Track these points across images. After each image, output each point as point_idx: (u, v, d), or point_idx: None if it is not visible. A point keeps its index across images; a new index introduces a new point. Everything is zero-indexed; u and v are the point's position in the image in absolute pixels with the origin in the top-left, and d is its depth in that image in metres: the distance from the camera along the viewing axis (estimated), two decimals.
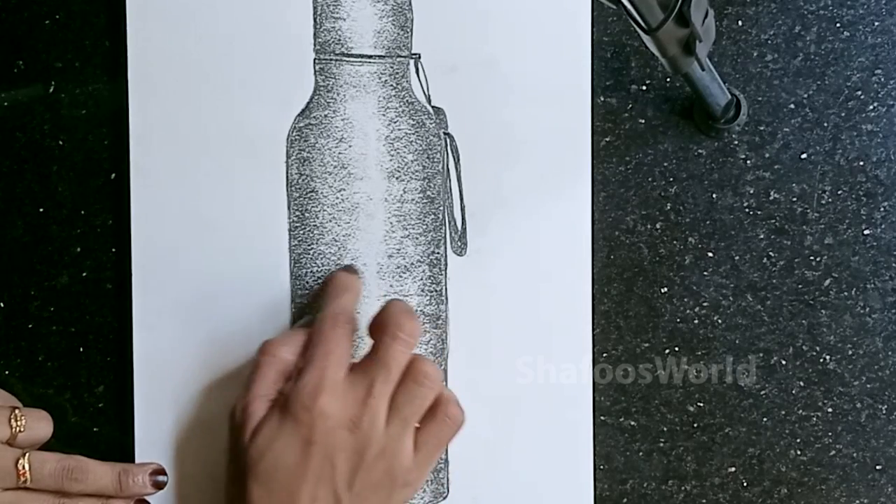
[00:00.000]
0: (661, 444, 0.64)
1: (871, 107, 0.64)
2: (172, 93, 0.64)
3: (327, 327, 0.59)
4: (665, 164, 0.64)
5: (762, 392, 0.64)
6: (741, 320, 0.64)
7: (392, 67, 0.64)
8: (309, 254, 0.64)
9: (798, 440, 0.64)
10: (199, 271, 0.64)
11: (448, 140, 0.64)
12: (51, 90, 0.65)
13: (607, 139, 0.64)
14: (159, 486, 0.63)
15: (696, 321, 0.64)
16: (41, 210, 0.65)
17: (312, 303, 0.63)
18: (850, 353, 0.64)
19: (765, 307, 0.64)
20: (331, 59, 0.64)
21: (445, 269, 0.64)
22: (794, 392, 0.64)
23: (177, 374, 0.64)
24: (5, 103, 0.65)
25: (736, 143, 0.64)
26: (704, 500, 0.64)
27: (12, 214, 0.65)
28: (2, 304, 0.65)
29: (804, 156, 0.64)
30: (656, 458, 0.64)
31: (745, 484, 0.64)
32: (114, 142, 0.65)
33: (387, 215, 0.64)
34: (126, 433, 0.64)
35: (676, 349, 0.64)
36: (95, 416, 0.65)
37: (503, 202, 0.64)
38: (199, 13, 0.64)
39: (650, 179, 0.64)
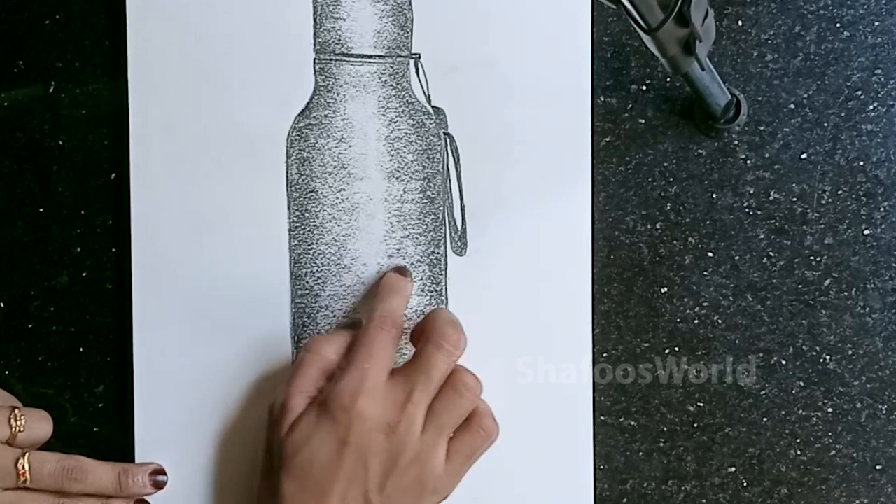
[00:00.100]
0: (661, 444, 0.64)
1: (871, 107, 0.64)
2: (172, 93, 0.64)
3: (373, 329, 0.59)
4: (665, 164, 0.64)
5: (762, 392, 0.64)
6: (741, 320, 0.64)
7: (392, 67, 0.64)
8: (309, 254, 0.64)
9: (798, 440, 0.64)
10: (199, 271, 0.64)
11: (448, 140, 0.64)
12: (51, 90, 0.65)
13: (607, 139, 0.64)
14: (159, 486, 0.63)
15: (696, 321, 0.64)
16: (41, 210, 0.65)
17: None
18: (850, 353, 0.64)
19: (765, 307, 0.64)
20: (331, 59, 0.64)
21: (445, 269, 0.64)
22: (794, 392, 0.64)
23: (177, 374, 0.64)
24: (5, 103, 0.65)
25: (736, 143, 0.64)
26: (704, 500, 0.64)
27: (12, 214, 0.65)
28: (2, 304, 0.65)
29: (804, 156, 0.64)
30: (656, 458, 0.64)
31: (745, 484, 0.64)
32: (114, 142, 0.65)
33: (387, 215, 0.64)
34: (126, 433, 0.64)
35: (676, 349, 0.64)
36: (95, 416, 0.65)
37: (503, 202, 0.64)
38: (199, 13, 0.64)
39: (650, 179, 0.64)
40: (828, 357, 0.64)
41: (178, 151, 0.64)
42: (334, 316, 0.64)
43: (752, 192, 0.64)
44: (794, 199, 0.64)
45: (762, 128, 0.64)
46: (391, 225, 0.64)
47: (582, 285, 0.63)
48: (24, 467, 0.60)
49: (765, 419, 0.64)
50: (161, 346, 0.64)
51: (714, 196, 0.64)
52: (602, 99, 0.64)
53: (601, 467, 0.64)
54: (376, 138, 0.64)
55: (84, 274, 0.65)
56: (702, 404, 0.64)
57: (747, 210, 0.64)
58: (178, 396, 0.64)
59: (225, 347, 0.64)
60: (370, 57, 0.64)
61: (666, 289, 0.64)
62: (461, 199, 0.64)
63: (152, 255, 0.64)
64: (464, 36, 0.63)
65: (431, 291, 0.64)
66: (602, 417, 0.64)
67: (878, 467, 0.64)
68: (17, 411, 0.61)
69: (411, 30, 0.64)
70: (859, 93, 0.64)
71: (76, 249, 0.65)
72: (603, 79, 0.64)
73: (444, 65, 0.64)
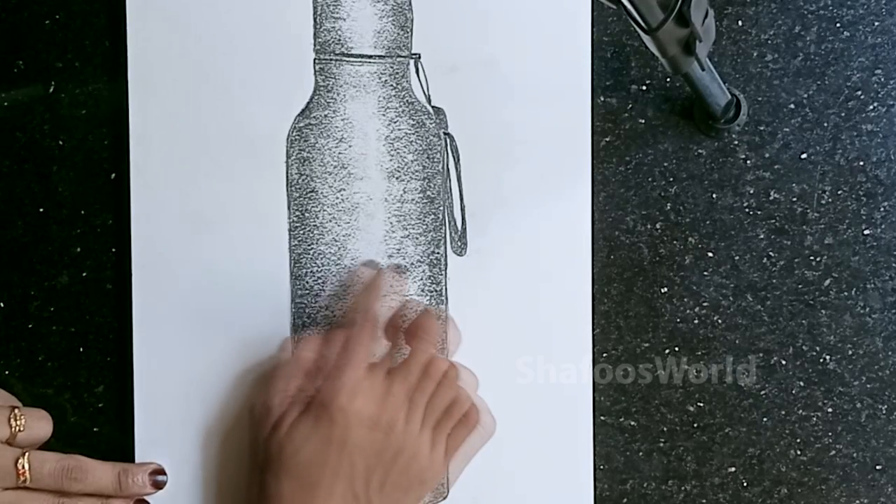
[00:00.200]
0: (661, 444, 0.64)
1: (871, 107, 0.64)
2: (172, 93, 0.64)
3: (349, 326, 0.60)
4: (665, 164, 0.64)
5: (762, 392, 0.64)
6: (741, 320, 0.64)
7: (392, 67, 0.64)
8: (309, 254, 0.64)
9: (798, 440, 0.64)
10: (199, 271, 0.64)
11: (448, 140, 0.64)
12: (51, 90, 0.65)
13: (607, 139, 0.64)
14: (159, 486, 0.63)
15: (696, 321, 0.64)
16: (41, 210, 0.65)
17: (312, 300, 0.63)
18: (850, 353, 0.64)
19: (765, 307, 0.64)
20: (331, 59, 0.64)
21: (445, 269, 0.64)
22: (794, 392, 0.64)
23: (177, 374, 0.64)
24: (5, 103, 0.65)
25: (736, 143, 0.64)
26: (704, 500, 0.64)
27: (12, 214, 0.65)
28: (2, 304, 0.65)
29: (804, 156, 0.64)
30: (656, 458, 0.64)
31: (745, 484, 0.64)
32: (114, 142, 0.65)
33: (387, 215, 0.64)
34: (126, 433, 0.64)
35: (676, 349, 0.64)
36: (95, 416, 0.65)
37: (503, 202, 0.64)
38: (199, 13, 0.64)
39: (650, 179, 0.64)
40: (828, 357, 0.64)
41: (178, 151, 0.64)
42: (334, 316, 0.64)
43: (752, 192, 0.64)
44: (794, 199, 0.64)
45: (762, 128, 0.64)
46: (391, 225, 0.64)
47: (582, 285, 0.63)
48: (23, 467, 0.60)
49: (765, 419, 0.64)
50: (161, 346, 0.64)
51: (714, 196, 0.64)
52: (602, 99, 0.64)
53: (601, 467, 0.64)
54: (376, 138, 0.64)
55: (84, 274, 0.65)
56: (702, 404, 0.64)
57: (747, 210, 0.64)
58: (178, 396, 0.64)
59: (225, 347, 0.64)
60: (370, 57, 0.64)
61: (666, 289, 0.64)
62: (461, 199, 0.64)
63: (152, 255, 0.64)
64: (464, 36, 0.63)
65: (431, 291, 0.64)
66: (602, 417, 0.64)
67: (878, 467, 0.64)
68: (17, 411, 0.61)
69: (411, 30, 0.64)
70: (859, 93, 0.64)
71: (76, 249, 0.65)
72: (603, 79, 0.64)
73: (444, 65, 0.64)
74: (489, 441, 0.63)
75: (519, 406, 0.63)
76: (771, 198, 0.64)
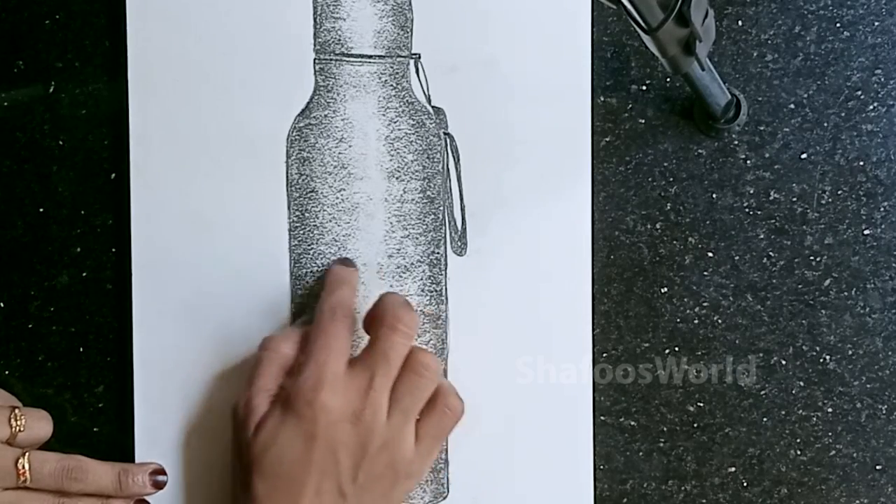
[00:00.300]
0: (661, 444, 0.64)
1: (871, 107, 0.64)
2: (172, 93, 0.64)
3: (325, 321, 0.59)
4: (665, 164, 0.64)
5: (762, 392, 0.64)
6: (741, 320, 0.64)
7: (392, 67, 0.64)
8: (309, 254, 0.64)
9: (798, 440, 0.64)
10: (199, 271, 0.64)
11: (448, 140, 0.64)
12: (51, 90, 0.65)
13: (607, 139, 0.64)
14: (159, 486, 0.63)
15: (696, 321, 0.64)
16: (41, 210, 0.65)
17: (312, 300, 0.63)
18: (850, 353, 0.64)
19: (765, 307, 0.64)
20: (331, 59, 0.64)
21: (445, 269, 0.64)
22: (794, 392, 0.64)
23: (177, 374, 0.64)
24: (5, 103, 0.65)
25: (736, 143, 0.64)
26: (704, 500, 0.64)
27: (12, 214, 0.65)
28: (2, 304, 0.65)
29: (804, 156, 0.64)
30: (656, 458, 0.64)
31: (745, 484, 0.64)
32: (114, 142, 0.65)
33: (387, 215, 0.64)
34: (126, 433, 0.64)
35: (676, 349, 0.64)
36: (95, 416, 0.65)
37: (503, 202, 0.64)
38: (199, 13, 0.64)
39: (650, 179, 0.64)
40: (828, 357, 0.64)
41: (178, 151, 0.64)
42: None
43: (752, 192, 0.64)
44: (794, 199, 0.64)
45: (762, 128, 0.64)
46: (391, 225, 0.64)
47: (582, 285, 0.63)
48: (24, 467, 0.60)
49: (765, 419, 0.64)
50: (161, 346, 0.64)
51: (714, 196, 0.64)
52: (602, 99, 0.64)
53: (601, 467, 0.64)
54: (376, 138, 0.64)
55: (84, 274, 0.65)
56: (702, 404, 0.64)
57: (747, 210, 0.64)
58: (178, 396, 0.64)
59: (225, 347, 0.64)
60: (370, 57, 0.64)
61: (666, 289, 0.64)
62: (461, 199, 0.64)
63: (152, 255, 0.64)
64: (464, 36, 0.63)
65: (431, 291, 0.64)
66: (602, 417, 0.64)
67: (878, 467, 0.64)
68: (17, 411, 0.61)
69: (411, 30, 0.64)
70: (859, 93, 0.64)
71: (76, 249, 0.65)
72: (603, 79, 0.64)
73: (444, 65, 0.64)
74: (488, 440, 0.63)
75: (519, 406, 0.63)
76: (771, 198, 0.64)
